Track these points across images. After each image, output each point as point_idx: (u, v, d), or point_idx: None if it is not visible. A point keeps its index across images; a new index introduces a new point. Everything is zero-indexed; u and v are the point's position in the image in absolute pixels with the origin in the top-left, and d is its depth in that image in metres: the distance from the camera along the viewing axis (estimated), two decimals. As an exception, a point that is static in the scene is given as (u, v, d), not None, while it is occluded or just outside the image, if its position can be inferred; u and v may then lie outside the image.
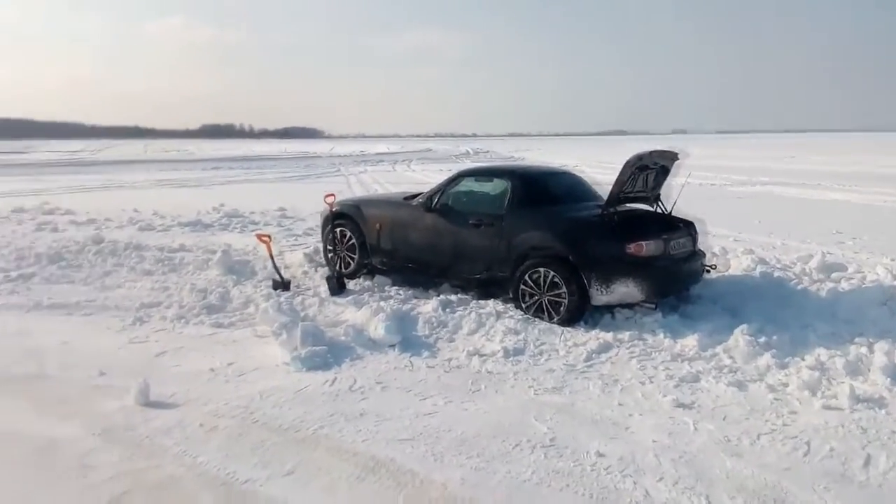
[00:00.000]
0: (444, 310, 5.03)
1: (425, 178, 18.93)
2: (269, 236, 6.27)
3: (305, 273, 6.52)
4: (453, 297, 5.38)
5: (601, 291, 4.70)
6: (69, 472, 2.76)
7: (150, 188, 17.01)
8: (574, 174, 6.32)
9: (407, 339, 4.44)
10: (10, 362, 4.01)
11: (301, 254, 7.36)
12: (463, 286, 5.66)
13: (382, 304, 5.13)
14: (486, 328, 4.65)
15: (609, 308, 4.92)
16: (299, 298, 5.44)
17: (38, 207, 11.42)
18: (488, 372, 3.93)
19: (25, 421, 3.24)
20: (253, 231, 8.87)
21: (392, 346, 4.33)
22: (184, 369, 3.93)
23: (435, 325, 4.72)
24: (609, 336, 4.45)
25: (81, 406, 3.40)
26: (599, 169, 19.25)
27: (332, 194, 6.91)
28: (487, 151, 42.38)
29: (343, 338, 4.42)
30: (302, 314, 4.90)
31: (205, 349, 4.31)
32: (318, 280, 6.15)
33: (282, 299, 5.21)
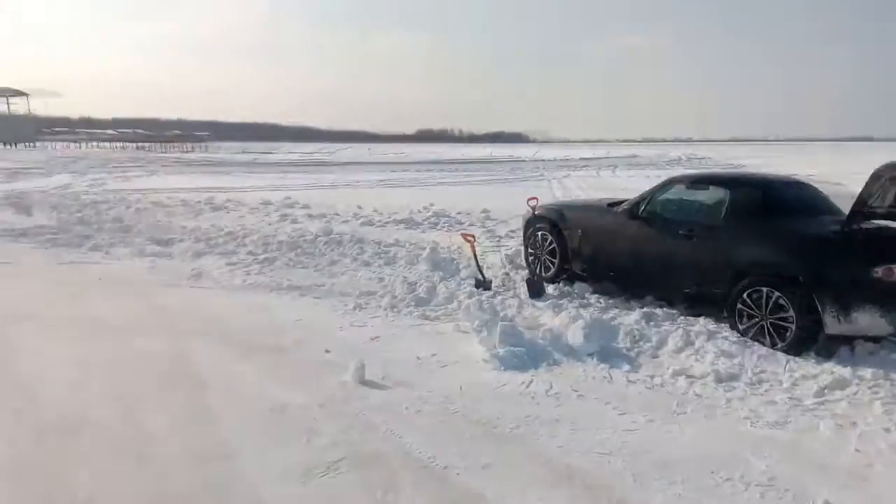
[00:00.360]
0: (647, 323, 4.80)
1: (631, 184, 18.20)
2: (473, 236, 6.51)
3: (506, 274, 6.65)
4: (658, 311, 5.11)
5: (838, 319, 4.12)
6: (296, 434, 3.12)
7: (371, 187, 18.62)
8: (807, 184, 5.63)
9: (606, 349, 4.31)
10: (256, 334, 4.67)
11: (503, 255, 7.54)
12: (669, 300, 5.35)
13: (582, 311, 5.04)
14: (694, 347, 4.34)
15: (847, 339, 4.29)
16: (499, 298, 5.57)
17: (281, 201, 13.10)
18: (696, 395, 3.66)
19: (265, 385, 3.74)
20: (459, 230, 9.28)
21: (590, 354, 4.24)
22: (394, 355, 4.24)
23: (637, 337, 4.52)
24: (846, 371, 3.88)
25: (309, 377, 3.84)
26: (843, 180, 16.91)
27: (535, 197, 6.96)
28: (703, 158, 39.47)
29: (541, 341, 4.42)
30: (501, 314, 5.01)
31: (413, 338, 4.62)
32: (518, 282, 6.24)
33: (483, 298, 5.38)
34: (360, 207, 12.11)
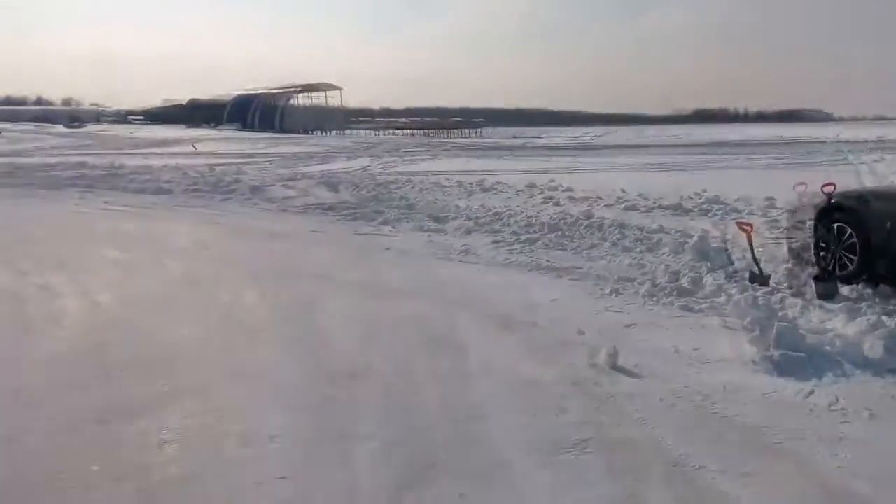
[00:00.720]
0: (982, 341, 3.85)
1: (975, 170, 14.54)
2: (750, 225, 5.91)
3: (789, 270, 5.90)
4: None
5: None
6: (546, 407, 3.22)
7: (638, 171, 17.97)
8: None
9: (917, 366, 3.58)
10: (514, 309, 4.88)
11: (786, 248, 6.70)
12: None
13: (885, 318, 4.25)
14: None
15: None
16: (778, 296, 4.98)
17: (546, 184, 13.37)
18: None
19: (519, 357, 3.92)
20: (734, 219, 8.47)
21: (892, 370, 3.57)
22: (650, 344, 4.09)
23: (964, 358, 3.66)
24: None
25: (561, 356, 3.91)
26: None
27: (804, 183, 6.03)
28: None
29: (827, 348, 3.86)
30: (779, 314, 4.47)
31: (671, 329, 4.39)
32: (804, 279, 5.48)
33: (758, 294, 4.86)
34: (623, 192, 11.77)
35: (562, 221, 8.37)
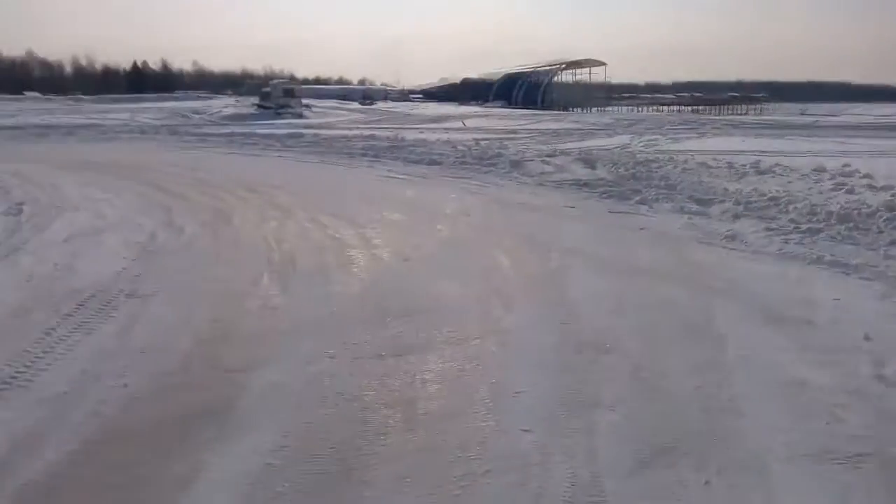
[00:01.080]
0: None
1: None
2: None
3: None
4: None
5: None
6: (816, 413, 2.92)
7: (969, 157, 14.52)
8: None
9: None
10: (784, 304, 4.43)
11: None
12: None
13: None
14: None
15: None
16: None
17: (838, 169, 11.57)
18: None
19: (786, 357, 3.56)
20: None
21: None
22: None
23: None
24: None
25: (839, 361, 3.46)
26: None
27: None
28: None
29: None
30: None
31: None
32: None
33: None
34: (947, 181, 9.66)
35: (855, 212, 7.22)
